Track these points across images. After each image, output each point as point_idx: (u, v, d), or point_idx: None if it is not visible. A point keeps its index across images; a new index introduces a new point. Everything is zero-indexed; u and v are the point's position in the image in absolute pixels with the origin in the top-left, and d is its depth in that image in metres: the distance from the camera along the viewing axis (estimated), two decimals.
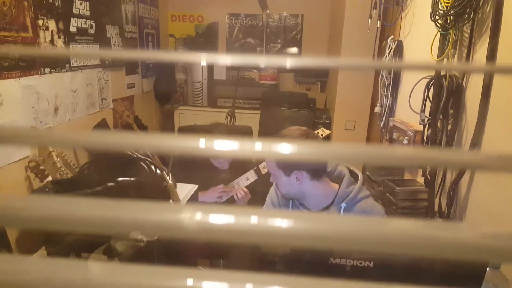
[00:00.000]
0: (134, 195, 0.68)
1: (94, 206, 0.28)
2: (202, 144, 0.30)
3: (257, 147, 0.29)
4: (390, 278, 0.97)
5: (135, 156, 0.75)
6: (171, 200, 0.82)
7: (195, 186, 1.00)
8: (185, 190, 0.98)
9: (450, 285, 0.86)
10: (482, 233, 0.22)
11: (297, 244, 0.24)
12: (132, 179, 0.68)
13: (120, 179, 0.67)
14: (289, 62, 0.35)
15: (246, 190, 2.16)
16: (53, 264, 0.24)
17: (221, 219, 0.24)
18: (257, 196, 2.12)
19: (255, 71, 4.00)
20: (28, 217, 0.26)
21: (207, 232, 0.24)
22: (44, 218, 0.26)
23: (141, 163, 0.74)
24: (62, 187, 0.67)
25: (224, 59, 0.34)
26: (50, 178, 1.80)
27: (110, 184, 0.65)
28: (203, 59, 0.35)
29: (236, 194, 2.14)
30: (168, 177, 0.77)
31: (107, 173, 0.67)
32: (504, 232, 0.22)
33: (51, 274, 0.24)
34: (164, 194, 0.78)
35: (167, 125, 3.98)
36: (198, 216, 0.24)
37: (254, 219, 0.24)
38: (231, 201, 2.19)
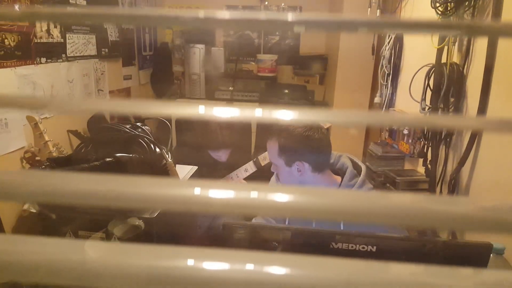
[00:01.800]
0: (133, 171, 0.66)
1: (93, 180, 0.26)
2: (201, 110, 0.28)
3: (257, 113, 0.28)
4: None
5: (133, 133, 0.73)
6: None
7: (194, 168, 0.98)
8: (184, 170, 0.96)
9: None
10: (482, 206, 0.22)
11: (296, 216, 0.23)
12: (131, 155, 0.67)
13: (119, 155, 0.65)
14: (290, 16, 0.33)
15: (245, 182, 2.14)
16: (51, 244, 0.24)
17: (221, 193, 0.23)
18: None
19: (253, 63, 3.97)
20: (28, 191, 0.25)
21: (207, 205, 0.24)
22: (44, 192, 0.25)
23: (140, 140, 0.72)
24: (58, 164, 0.65)
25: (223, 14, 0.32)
26: None
27: (108, 159, 0.63)
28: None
29: None
30: (167, 155, 0.75)
31: (105, 151, 0.65)
32: (504, 204, 0.22)
33: (49, 254, 0.23)
34: (163, 172, 0.77)
35: (164, 128, 3.94)
36: (197, 190, 0.24)
37: (254, 194, 0.23)
38: None
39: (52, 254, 0.23)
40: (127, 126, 0.74)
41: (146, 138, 0.73)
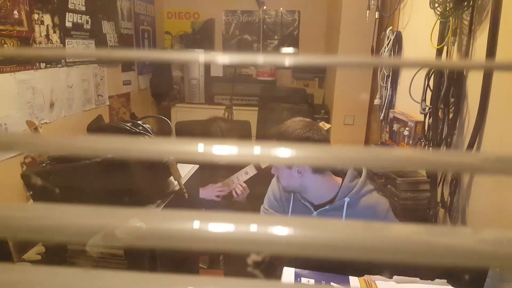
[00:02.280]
0: (134, 168, 0.66)
1: (94, 214, 0.26)
2: (200, 149, 0.28)
3: (256, 151, 0.28)
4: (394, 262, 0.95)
5: (134, 131, 0.72)
6: (171, 177, 0.80)
7: (196, 166, 0.97)
8: (186, 169, 0.96)
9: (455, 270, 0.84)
10: (483, 238, 0.22)
11: (295, 252, 0.23)
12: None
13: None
14: (287, 61, 0.33)
15: (244, 185, 2.14)
16: (52, 274, 0.23)
17: (219, 227, 0.23)
18: (256, 190, 2.10)
19: (253, 67, 3.97)
20: (28, 228, 0.25)
21: (205, 241, 0.24)
22: (44, 228, 0.25)
23: (141, 138, 0.72)
24: (59, 162, 0.64)
25: (222, 58, 0.33)
26: None
27: (109, 156, 0.62)
28: (200, 57, 0.33)
29: (235, 190, 2.12)
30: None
31: None
32: (505, 237, 0.22)
33: (49, 285, 0.23)
34: (165, 170, 0.76)
35: (163, 123, 3.95)
36: (196, 224, 0.24)
37: (253, 227, 0.23)
38: (230, 196, 2.17)
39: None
40: (128, 124, 0.74)
41: (147, 135, 0.73)
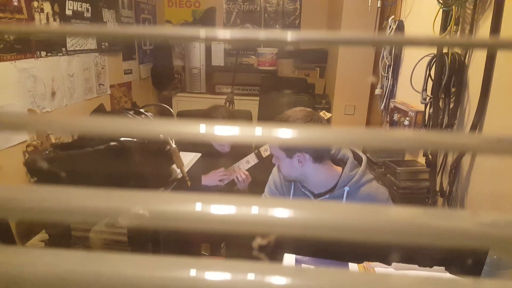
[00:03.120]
0: (137, 156, 0.66)
1: (89, 195, 0.26)
2: (202, 129, 0.28)
3: (257, 132, 0.28)
4: (393, 250, 0.96)
5: (136, 118, 0.73)
6: (174, 165, 0.80)
7: (198, 154, 0.98)
8: (188, 157, 0.96)
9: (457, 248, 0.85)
10: (481, 221, 0.22)
11: (295, 233, 0.23)
12: (135, 140, 0.66)
13: (123, 138, 0.65)
14: (289, 36, 0.33)
15: (247, 173, 2.15)
16: (57, 256, 0.23)
17: (221, 209, 0.24)
18: (257, 179, 2.11)
19: (253, 57, 3.97)
20: (30, 209, 0.25)
21: (207, 223, 0.24)
22: (46, 209, 0.25)
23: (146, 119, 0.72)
24: (62, 149, 0.65)
25: (224, 34, 0.32)
26: None
27: (112, 143, 0.63)
28: (201, 33, 0.33)
29: (237, 177, 2.13)
30: (171, 141, 0.75)
31: (109, 136, 0.65)
32: (503, 219, 0.22)
33: (54, 266, 0.23)
34: (167, 158, 0.77)
35: (165, 112, 3.95)
36: (199, 206, 0.24)
37: (255, 209, 0.23)
38: (232, 184, 2.18)
39: (57, 266, 0.23)
40: (130, 112, 0.74)
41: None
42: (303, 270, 0.23)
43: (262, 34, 0.33)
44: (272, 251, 0.73)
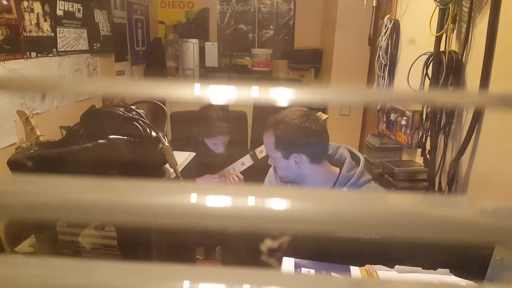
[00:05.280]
0: (127, 155, 0.63)
1: (79, 186, 0.24)
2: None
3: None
4: (396, 252, 0.93)
5: (126, 116, 0.69)
6: (167, 164, 0.77)
7: (192, 154, 0.94)
8: (182, 156, 0.92)
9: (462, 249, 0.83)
10: (481, 209, 0.21)
11: (293, 228, 0.23)
12: (125, 138, 0.63)
13: (112, 136, 0.61)
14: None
15: (241, 176, 2.11)
16: (43, 266, 0.22)
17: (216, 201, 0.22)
18: (252, 181, 2.07)
19: (248, 58, 3.94)
20: (12, 205, 0.23)
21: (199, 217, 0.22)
22: (31, 204, 0.23)
23: (135, 123, 0.69)
24: (48, 148, 0.61)
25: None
26: None
27: (101, 141, 0.60)
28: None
29: (230, 180, 2.10)
30: (164, 139, 0.71)
31: (97, 134, 0.62)
32: (505, 207, 0.21)
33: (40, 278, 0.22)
34: (160, 156, 0.73)
35: (159, 113, 3.91)
36: (191, 198, 0.22)
37: (251, 200, 0.22)
38: None
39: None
40: (121, 109, 0.71)
41: (141, 120, 0.69)
42: (300, 278, 0.22)
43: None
44: (284, 255, 0.69)
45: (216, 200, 0.22)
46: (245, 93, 0.27)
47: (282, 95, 0.28)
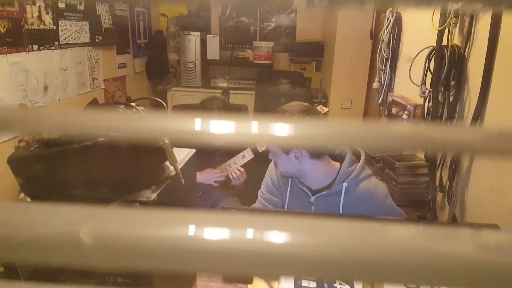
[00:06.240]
0: (126, 152, 0.63)
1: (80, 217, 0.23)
2: (198, 126, 0.26)
3: (254, 128, 0.26)
4: None
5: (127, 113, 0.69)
6: (167, 162, 0.77)
7: (193, 150, 0.95)
8: (183, 153, 0.93)
9: None
10: (484, 243, 0.21)
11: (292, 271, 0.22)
12: (125, 135, 0.63)
13: (112, 134, 0.61)
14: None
15: (242, 169, 2.12)
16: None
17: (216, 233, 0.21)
18: (254, 174, 2.08)
19: (249, 50, 3.93)
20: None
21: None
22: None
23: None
24: (48, 146, 0.61)
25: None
26: None
27: (100, 139, 0.60)
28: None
29: (232, 174, 2.10)
30: (164, 137, 0.71)
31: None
32: (509, 240, 0.21)
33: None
34: (160, 154, 0.73)
35: (158, 106, 3.91)
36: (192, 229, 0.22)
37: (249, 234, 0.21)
38: (227, 181, 2.16)
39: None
40: (121, 107, 0.71)
41: None
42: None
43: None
44: None
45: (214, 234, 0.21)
46: (245, 128, 0.26)
47: (282, 130, 0.26)
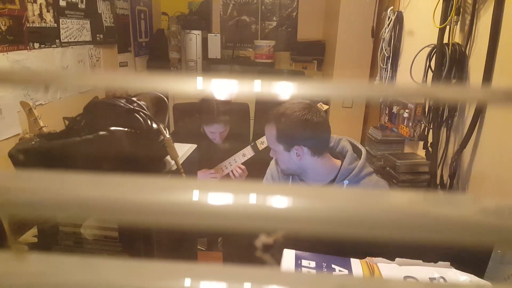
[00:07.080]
0: (127, 147, 0.63)
1: (78, 182, 0.24)
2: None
3: (252, 200, 0.26)
4: (397, 244, 0.94)
5: (127, 107, 0.69)
6: (168, 156, 0.77)
7: (194, 146, 0.95)
8: (183, 148, 0.93)
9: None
10: (484, 208, 0.21)
11: (294, 227, 0.22)
12: (126, 129, 0.63)
13: (113, 128, 0.61)
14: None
15: (243, 167, 2.11)
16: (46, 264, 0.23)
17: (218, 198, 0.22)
18: (254, 172, 2.08)
19: (250, 49, 3.93)
20: (13, 201, 0.23)
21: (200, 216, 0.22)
22: (31, 201, 0.23)
23: (136, 115, 0.69)
24: (49, 140, 0.61)
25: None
26: None
27: (101, 133, 0.60)
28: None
29: (233, 173, 2.10)
30: (165, 131, 0.71)
31: (98, 125, 0.62)
32: (507, 206, 0.21)
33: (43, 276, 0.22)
34: (161, 149, 0.73)
35: (161, 105, 3.91)
36: (191, 196, 0.22)
37: (247, 199, 0.22)
38: (227, 179, 2.15)
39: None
40: (122, 101, 0.71)
41: (142, 112, 0.70)
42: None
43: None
44: (279, 251, 0.69)
45: (217, 198, 0.22)
46: (247, 87, 0.27)
47: (284, 89, 0.27)
